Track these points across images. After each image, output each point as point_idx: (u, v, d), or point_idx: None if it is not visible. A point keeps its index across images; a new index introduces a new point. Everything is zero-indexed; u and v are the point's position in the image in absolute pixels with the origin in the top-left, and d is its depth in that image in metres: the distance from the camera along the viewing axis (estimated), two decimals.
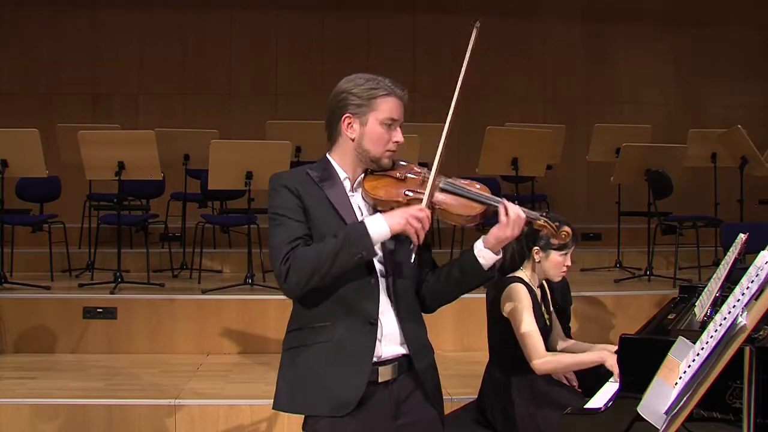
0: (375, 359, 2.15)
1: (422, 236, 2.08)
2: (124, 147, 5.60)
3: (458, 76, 2.21)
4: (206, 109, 8.32)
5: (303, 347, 2.17)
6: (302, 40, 8.63)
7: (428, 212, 2.09)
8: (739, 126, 6.08)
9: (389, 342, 2.18)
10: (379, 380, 2.17)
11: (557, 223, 2.20)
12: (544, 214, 2.21)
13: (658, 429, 1.73)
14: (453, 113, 2.20)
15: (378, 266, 2.18)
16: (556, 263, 3.15)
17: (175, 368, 4.79)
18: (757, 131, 6.62)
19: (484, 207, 2.16)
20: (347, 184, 2.23)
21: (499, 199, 2.17)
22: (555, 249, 3.13)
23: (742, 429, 1.95)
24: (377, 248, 2.15)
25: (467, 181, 2.23)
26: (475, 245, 2.20)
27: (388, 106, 2.19)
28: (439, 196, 2.17)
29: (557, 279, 3.25)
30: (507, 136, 6.14)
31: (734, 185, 6.18)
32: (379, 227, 2.07)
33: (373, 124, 2.19)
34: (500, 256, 2.19)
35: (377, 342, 2.15)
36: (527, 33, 8.73)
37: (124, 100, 8.41)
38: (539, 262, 3.17)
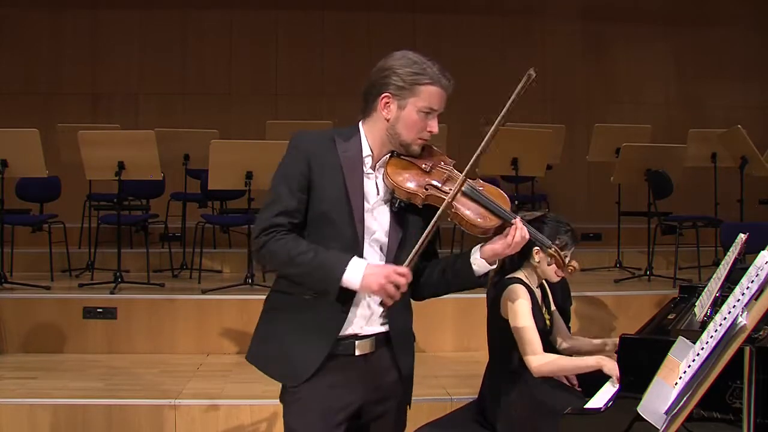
0: (351, 333, 2.18)
1: (395, 299, 2.05)
2: (124, 147, 5.60)
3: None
4: (206, 109, 8.32)
5: (278, 310, 2.24)
6: (302, 40, 8.62)
7: (410, 276, 2.06)
8: (739, 126, 6.08)
9: (371, 323, 2.20)
10: (357, 353, 2.20)
11: (567, 256, 2.20)
12: (556, 242, 2.21)
13: (658, 429, 1.73)
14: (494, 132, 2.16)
15: (381, 247, 2.20)
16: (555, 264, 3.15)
17: (175, 368, 4.79)
18: (757, 131, 6.62)
19: (501, 222, 2.14)
20: (368, 162, 2.19)
21: (513, 216, 2.16)
22: None
23: (742, 429, 1.95)
24: (381, 232, 2.17)
25: (488, 187, 2.21)
26: (472, 251, 2.20)
27: (429, 95, 2.14)
28: (460, 200, 2.13)
29: (555, 280, 3.24)
30: (507, 136, 6.14)
31: (734, 185, 6.18)
32: (353, 281, 2.05)
33: (411, 110, 2.13)
34: (494, 266, 2.20)
35: (361, 320, 2.18)
36: (527, 33, 8.73)
37: (124, 100, 8.41)
38: (539, 262, 3.16)
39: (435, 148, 2.25)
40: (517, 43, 8.67)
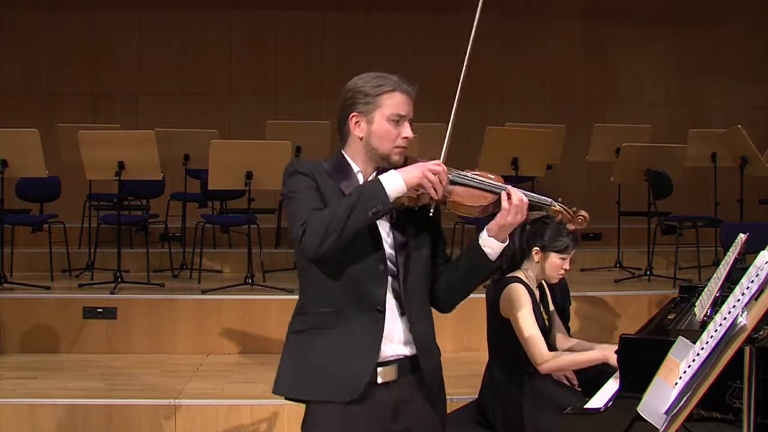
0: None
1: (440, 191, 2.06)
2: (124, 147, 5.60)
3: (459, 73, 2.21)
4: (206, 109, 8.31)
5: (309, 331, 2.16)
6: (302, 40, 8.62)
7: (444, 167, 2.08)
8: (739, 126, 6.08)
9: (391, 341, 2.15)
10: (379, 381, 2.14)
11: (574, 209, 2.18)
12: (559, 200, 2.19)
13: (658, 429, 1.73)
14: (458, 101, 2.19)
15: (389, 259, 2.16)
16: (555, 265, 3.15)
17: (175, 368, 4.79)
18: (757, 131, 6.61)
19: (495, 196, 2.14)
20: (360, 177, 2.21)
21: (505, 186, 2.15)
22: (555, 251, 3.13)
23: (742, 429, 1.95)
24: (387, 246, 2.15)
25: (479, 172, 2.21)
26: (480, 235, 2.18)
27: (393, 102, 2.16)
28: (450, 189, 2.15)
29: (554, 281, 3.24)
30: (507, 136, 6.15)
31: (734, 185, 6.17)
32: (395, 181, 2.05)
33: (380, 121, 2.16)
34: (506, 243, 2.17)
35: (384, 339, 2.13)
36: (527, 33, 8.73)
37: (124, 100, 8.40)
38: (538, 262, 3.16)
39: (416, 156, 2.26)
40: (517, 43, 8.67)
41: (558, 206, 2.16)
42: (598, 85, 8.73)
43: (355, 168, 2.21)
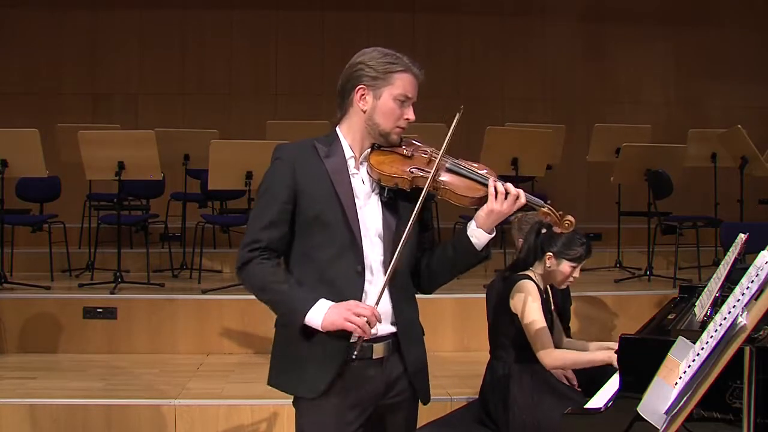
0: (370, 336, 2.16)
1: (368, 331, 2.06)
2: (124, 147, 5.60)
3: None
4: (206, 109, 8.32)
5: (291, 326, 2.20)
6: (302, 40, 8.62)
7: (375, 310, 2.07)
8: (739, 126, 6.08)
9: (383, 320, 2.17)
10: (374, 357, 2.19)
11: (560, 212, 2.20)
12: (548, 202, 2.21)
13: (658, 429, 1.73)
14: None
15: (378, 236, 2.19)
16: (565, 273, 3.17)
17: (175, 368, 4.79)
18: (757, 131, 6.61)
19: (488, 190, 2.16)
20: (351, 163, 2.22)
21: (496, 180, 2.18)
22: (568, 259, 3.15)
23: (742, 429, 1.96)
24: (378, 225, 2.18)
25: (477, 164, 2.23)
26: (468, 225, 2.20)
27: (403, 83, 2.18)
28: (445, 177, 2.17)
29: (561, 287, 3.27)
30: (507, 136, 6.15)
31: (734, 185, 6.18)
32: (315, 319, 2.10)
33: (387, 98, 2.17)
34: (493, 235, 2.19)
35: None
36: (527, 33, 8.73)
37: (124, 100, 8.40)
38: (549, 267, 3.18)
39: (412, 139, 2.29)
40: (517, 43, 8.67)
41: (547, 208, 2.19)
42: (598, 85, 8.73)
43: (348, 153, 2.22)
